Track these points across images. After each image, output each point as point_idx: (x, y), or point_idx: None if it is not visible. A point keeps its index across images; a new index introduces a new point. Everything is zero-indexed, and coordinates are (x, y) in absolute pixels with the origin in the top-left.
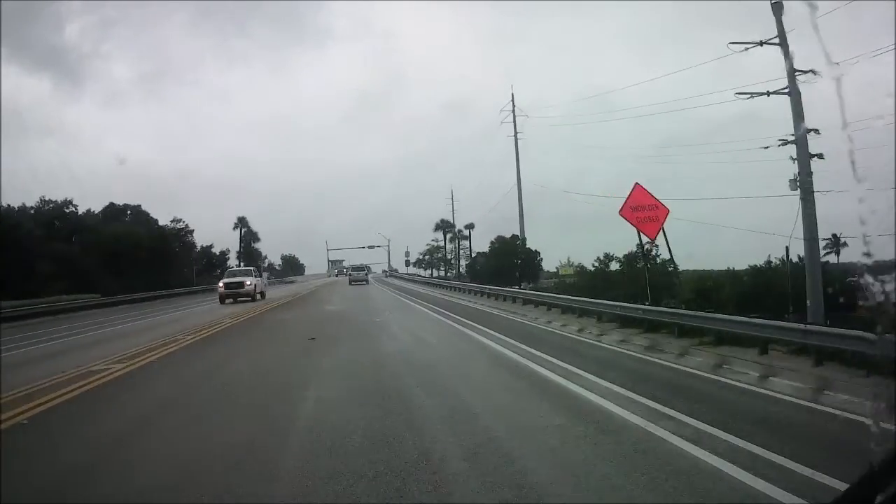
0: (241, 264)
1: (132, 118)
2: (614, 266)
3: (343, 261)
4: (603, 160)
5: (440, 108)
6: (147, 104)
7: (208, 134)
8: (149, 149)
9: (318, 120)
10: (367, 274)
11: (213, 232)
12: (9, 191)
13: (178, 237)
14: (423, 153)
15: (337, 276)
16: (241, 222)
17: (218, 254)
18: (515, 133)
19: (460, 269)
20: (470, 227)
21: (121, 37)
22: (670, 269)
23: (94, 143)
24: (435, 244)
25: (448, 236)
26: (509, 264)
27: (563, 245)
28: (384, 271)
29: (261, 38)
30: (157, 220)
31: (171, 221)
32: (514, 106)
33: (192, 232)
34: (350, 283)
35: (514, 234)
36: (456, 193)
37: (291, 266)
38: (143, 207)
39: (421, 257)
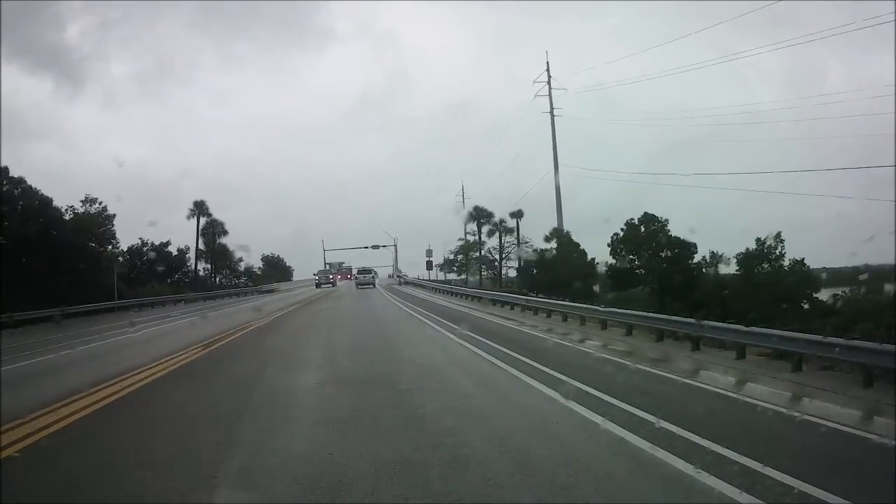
0: (209, 267)
1: (132, 119)
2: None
3: (343, 263)
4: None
5: (448, 107)
6: (147, 105)
7: (208, 135)
8: (148, 149)
9: (319, 121)
10: (373, 277)
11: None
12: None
13: (89, 226)
14: (431, 154)
15: (319, 285)
16: (199, 208)
17: (176, 253)
18: (552, 108)
19: (499, 274)
20: (517, 214)
21: (122, 37)
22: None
23: (95, 144)
24: (472, 239)
25: (484, 229)
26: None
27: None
28: (394, 276)
29: (263, 39)
30: (49, 199)
31: (83, 202)
32: (549, 76)
33: (112, 218)
34: (357, 287)
35: (646, 212)
36: (470, 194)
37: (275, 269)
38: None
39: (452, 256)
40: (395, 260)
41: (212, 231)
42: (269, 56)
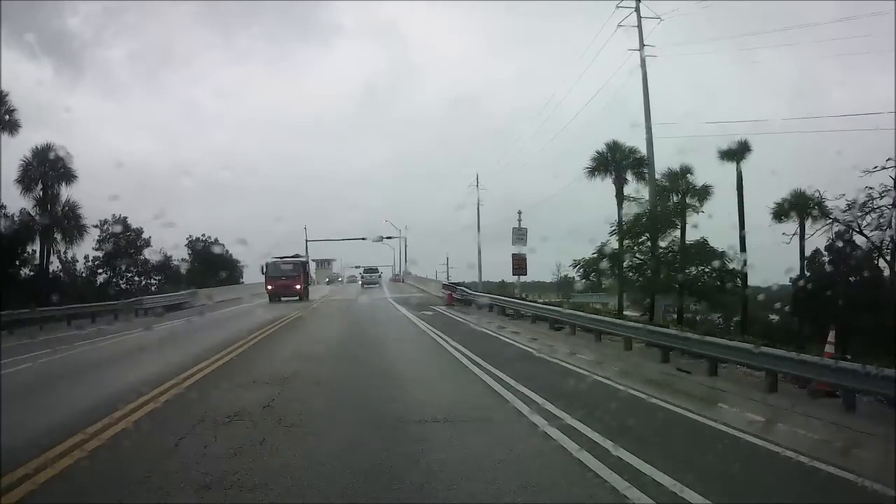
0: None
1: (131, 109)
2: None
3: (333, 261)
4: None
5: (461, 101)
6: (147, 96)
7: (208, 128)
8: (147, 141)
9: (321, 117)
10: (379, 276)
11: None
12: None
13: None
14: (435, 154)
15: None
16: None
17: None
18: (642, 44)
19: None
20: (740, 149)
21: (124, 26)
22: None
23: (93, 133)
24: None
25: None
26: None
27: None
28: (401, 278)
29: (267, 34)
30: None
31: None
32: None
33: None
34: (363, 287)
35: None
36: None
37: (211, 265)
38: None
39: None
40: (404, 256)
41: (44, 172)
42: (273, 50)
